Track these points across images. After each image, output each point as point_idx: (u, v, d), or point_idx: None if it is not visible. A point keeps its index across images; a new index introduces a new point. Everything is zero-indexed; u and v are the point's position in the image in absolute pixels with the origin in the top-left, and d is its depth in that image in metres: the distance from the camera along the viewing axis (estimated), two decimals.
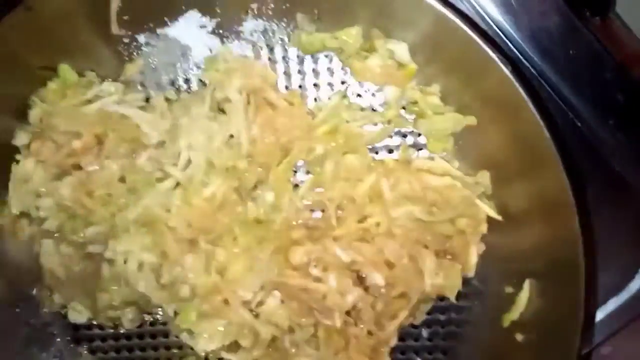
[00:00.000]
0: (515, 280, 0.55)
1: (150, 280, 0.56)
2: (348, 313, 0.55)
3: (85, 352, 0.64)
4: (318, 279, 0.54)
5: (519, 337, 0.55)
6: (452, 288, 0.56)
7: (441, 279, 0.55)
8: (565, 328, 0.50)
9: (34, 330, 0.63)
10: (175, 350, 0.63)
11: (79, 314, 0.62)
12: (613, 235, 0.61)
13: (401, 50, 0.53)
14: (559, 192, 0.49)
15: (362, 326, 0.56)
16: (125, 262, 0.55)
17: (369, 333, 0.56)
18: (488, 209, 0.55)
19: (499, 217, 0.55)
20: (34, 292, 0.61)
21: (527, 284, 0.54)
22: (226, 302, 0.55)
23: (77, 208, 0.55)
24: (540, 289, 0.54)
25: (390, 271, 0.54)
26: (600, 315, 0.61)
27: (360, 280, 0.55)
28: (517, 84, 0.47)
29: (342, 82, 0.58)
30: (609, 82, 0.59)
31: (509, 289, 0.56)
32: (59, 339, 0.64)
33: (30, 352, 0.63)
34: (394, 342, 0.57)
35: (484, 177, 0.56)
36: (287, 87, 0.58)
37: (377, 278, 0.54)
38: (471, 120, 0.54)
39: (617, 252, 0.61)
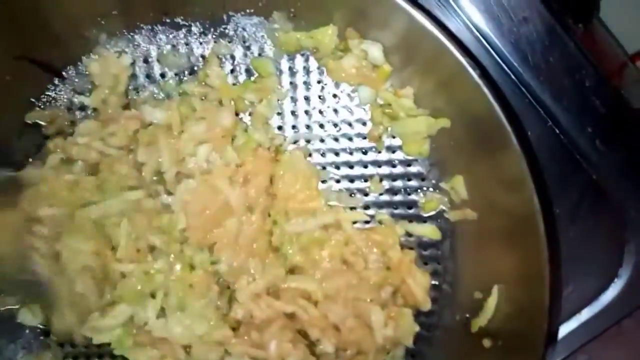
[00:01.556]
0: (484, 286, 0.55)
1: (89, 285, 0.55)
2: None
3: (54, 344, 0.63)
4: (259, 345, 0.53)
5: (487, 342, 0.55)
6: (406, 335, 0.56)
7: (392, 330, 0.55)
8: (531, 336, 0.50)
9: (1, 321, 0.62)
10: None
11: (32, 316, 0.61)
12: (589, 244, 0.61)
13: (375, 51, 0.53)
14: (526, 203, 0.49)
15: None
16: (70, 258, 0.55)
17: None
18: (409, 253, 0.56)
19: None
20: None
21: (495, 290, 0.54)
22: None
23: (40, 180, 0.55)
24: (507, 296, 0.54)
25: (339, 334, 0.54)
26: (575, 323, 0.61)
27: (310, 349, 0.54)
28: (485, 89, 0.47)
29: (318, 82, 0.58)
30: (588, 90, 0.59)
31: (478, 295, 0.56)
32: (27, 330, 0.63)
33: None
34: None
35: (458, 183, 0.56)
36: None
37: (326, 345, 0.54)
38: (444, 122, 0.53)
39: (592, 261, 0.61)
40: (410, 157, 0.57)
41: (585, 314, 0.61)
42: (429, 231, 0.57)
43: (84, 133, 0.57)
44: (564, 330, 0.61)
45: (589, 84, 0.59)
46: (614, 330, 0.64)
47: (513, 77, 0.58)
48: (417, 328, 0.56)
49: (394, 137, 0.57)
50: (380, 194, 0.58)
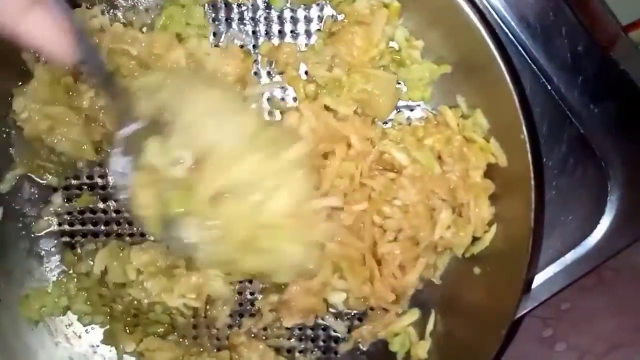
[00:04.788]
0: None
1: None
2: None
3: None
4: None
5: (477, 270, 0.61)
6: (460, 245, 0.59)
7: (450, 234, 0.58)
8: (515, 261, 0.56)
9: (33, 244, 0.68)
10: None
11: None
12: (574, 194, 0.66)
13: None
14: (518, 147, 0.55)
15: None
16: None
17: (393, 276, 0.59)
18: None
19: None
20: None
21: (494, 228, 0.60)
22: None
23: None
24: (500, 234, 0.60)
25: (405, 215, 0.57)
26: (558, 267, 0.66)
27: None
28: (488, 40, 0.53)
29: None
30: (580, 52, 0.63)
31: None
32: (56, 255, 0.69)
33: (29, 264, 0.67)
34: (411, 291, 0.62)
35: (479, 116, 0.59)
36: (280, 31, 0.63)
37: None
38: (446, 68, 0.59)
39: (577, 209, 0.66)
40: (413, 103, 0.62)
41: (569, 258, 0.67)
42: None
43: None
44: (548, 272, 0.66)
45: (581, 48, 0.63)
46: (595, 280, 0.70)
47: (511, 35, 0.62)
48: (469, 241, 0.59)
49: (399, 83, 0.62)
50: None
